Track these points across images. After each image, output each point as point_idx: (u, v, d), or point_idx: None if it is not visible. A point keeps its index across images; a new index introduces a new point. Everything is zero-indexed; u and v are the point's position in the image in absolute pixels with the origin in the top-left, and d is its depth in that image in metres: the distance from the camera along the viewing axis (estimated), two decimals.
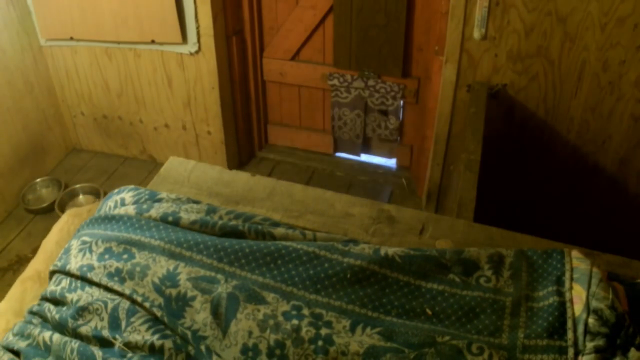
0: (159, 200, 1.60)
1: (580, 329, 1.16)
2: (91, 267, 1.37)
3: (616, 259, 1.49)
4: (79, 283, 1.36)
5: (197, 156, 3.04)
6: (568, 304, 1.21)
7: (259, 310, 1.23)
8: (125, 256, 1.38)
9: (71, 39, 2.77)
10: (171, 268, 1.33)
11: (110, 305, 1.29)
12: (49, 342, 1.27)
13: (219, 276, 1.31)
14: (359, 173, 3.02)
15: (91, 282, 1.35)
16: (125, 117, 3.03)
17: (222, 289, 1.27)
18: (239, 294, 1.26)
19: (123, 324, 1.26)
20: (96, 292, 1.33)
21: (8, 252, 2.60)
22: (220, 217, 1.52)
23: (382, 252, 1.36)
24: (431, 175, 2.57)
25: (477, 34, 2.12)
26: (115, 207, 1.61)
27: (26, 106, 2.85)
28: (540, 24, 2.05)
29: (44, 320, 1.36)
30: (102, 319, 1.28)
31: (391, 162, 3.06)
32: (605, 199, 2.38)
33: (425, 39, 2.53)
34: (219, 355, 1.18)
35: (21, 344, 1.30)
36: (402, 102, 2.78)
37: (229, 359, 1.17)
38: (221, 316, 1.22)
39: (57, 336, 1.28)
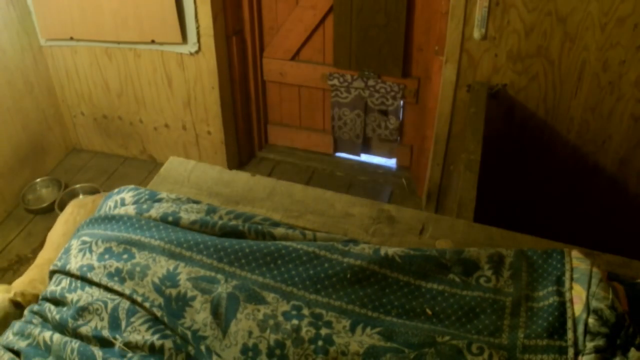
0: (159, 200, 1.60)
1: (580, 329, 1.16)
2: (91, 267, 1.37)
3: (616, 259, 1.49)
4: (79, 283, 1.36)
5: (197, 156, 3.04)
6: (568, 304, 1.21)
7: (259, 310, 1.23)
8: (125, 256, 1.38)
9: (71, 39, 2.77)
10: (171, 268, 1.33)
11: (110, 305, 1.29)
12: (49, 342, 1.27)
13: (219, 276, 1.31)
14: (359, 173, 3.02)
15: (91, 282, 1.35)
16: (125, 117, 3.03)
17: (222, 289, 1.27)
18: (239, 294, 1.26)
19: (123, 324, 1.26)
20: (96, 292, 1.33)
21: (8, 252, 2.60)
22: (220, 217, 1.52)
23: (382, 252, 1.36)
24: (431, 175, 2.57)
25: (477, 34, 2.12)
26: (115, 207, 1.61)
27: (26, 106, 2.85)
28: (540, 24, 2.05)
29: (44, 320, 1.36)
30: (102, 319, 1.28)
31: (391, 162, 3.06)
32: (605, 199, 2.38)
33: (425, 39, 2.53)
34: (219, 355, 1.18)
35: (21, 344, 1.30)
36: (402, 102, 2.78)
37: (229, 359, 1.17)
38: (221, 316, 1.22)
39: (57, 336, 1.28)
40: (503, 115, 2.29)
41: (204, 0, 2.46)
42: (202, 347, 1.20)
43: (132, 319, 1.26)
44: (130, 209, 1.55)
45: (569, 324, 1.17)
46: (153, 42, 2.64)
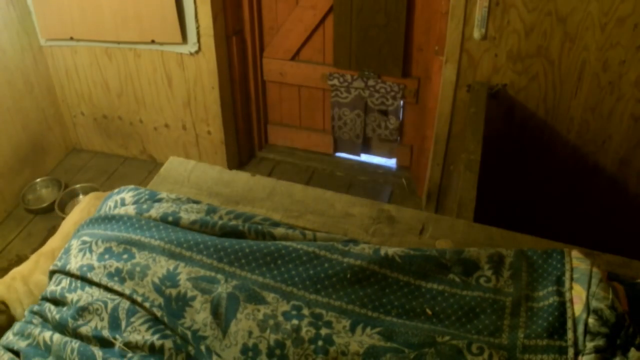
0: (159, 200, 1.60)
1: (580, 329, 1.16)
2: (91, 267, 1.37)
3: (616, 259, 1.49)
4: (79, 283, 1.36)
5: (197, 156, 3.04)
6: (568, 304, 1.21)
7: (259, 310, 1.23)
8: (125, 256, 1.38)
9: (71, 39, 2.77)
10: (171, 268, 1.33)
11: (110, 305, 1.29)
12: (49, 342, 1.27)
13: (219, 276, 1.31)
14: (359, 173, 3.02)
15: (91, 282, 1.35)
16: (125, 117, 3.03)
17: (222, 289, 1.27)
18: (239, 294, 1.26)
19: (123, 324, 1.26)
20: (96, 292, 1.33)
21: (8, 252, 2.60)
22: (220, 217, 1.52)
23: (382, 252, 1.36)
24: (431, 175, 2.57)
25: (477, 34, 2.12)
26: (115, 207, 1.61)
27: (26, 106, 2.85)
28: (540, 24, 2.05)
29: (44, 320, 1.36)
30: (102, 319, 1.28)
31: (391, 162, 3.06)
32: (605, 199, 2.38)
33: (425, 39, 2.53)
34: (219, 355, 1.18)
35: (21, 344, 1.30)
36: (402, 102, 2.78)
37: (229, 359, 1.17)
38: (221, 316, 1.22)
39: (57, 336, 1.28)
40: (503, 115, 2.29)
41: (204, 0, 2.46)
42: (202, 347, 1.20)
43: (132, 319, 1.26)
44: (130, 209, 1.55)
45: (569, 324, 1.17)
46: (153, 42, 2.64)
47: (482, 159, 1.87)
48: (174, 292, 1.28)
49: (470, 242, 1.54)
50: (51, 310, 1.35)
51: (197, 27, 2.55)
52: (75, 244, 1.47)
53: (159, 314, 1.26)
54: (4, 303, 1.44)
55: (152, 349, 1.21)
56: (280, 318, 1.21)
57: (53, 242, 1.65)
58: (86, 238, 1.46)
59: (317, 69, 2.81)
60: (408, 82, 2.69)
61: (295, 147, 3.17)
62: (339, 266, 1.33)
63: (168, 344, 1.21)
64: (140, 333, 1.24)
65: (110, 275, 1.34)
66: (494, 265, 1.34)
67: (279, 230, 1.47)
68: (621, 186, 2.33)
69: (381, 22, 2.54)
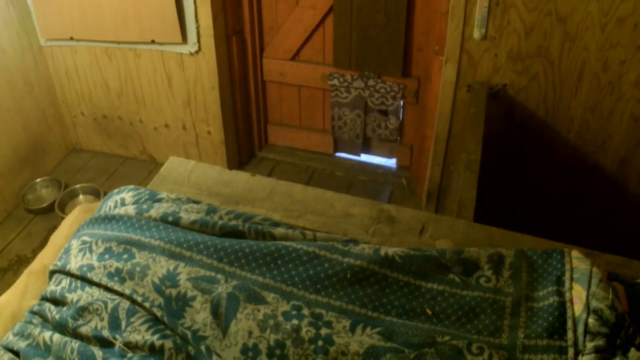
0: (159, 200, 1.60)
1: (580, 329, 1.16)
2: (91, 267, 1.37)
3: (616, 259, 1.49)
4: (79, 283, 1.36)
5: (197, 156, 3.04)
6: (568, 304, 1.21)
7: (259, 310, 1.23)
8: (125, 256, 1.38)
9: (71, 39, 2.77)
10: (171, 268, 1.33)
11: (110, 305, 1.29)
12: (49, 342, 1.27)
13: (219, 276, 1.31)
14: (359, 173, 3.02)
15: (91, 282, 1.35)
16: (125, 117, 3.03)
17: (222, 289, 1.27)
18: (239, 294, 1.26)
19: (123, 324, 1.26)
20: (96, 292, 1.33)
21: (8, 252, 2.60)
22: (220, 217, 1.52)
23: (382, 252, 1.36)
24: (431, 175, 2.57)
25: (477, 34, 2.12)
26: (115, 207, 1.61)
27: (26, 106, 2.85)
28: (540, 24, 2.05)
29: (44, 320, 1.36)
30: (102, 319, 1.28)
31: (391, 162, 3.06)
32: (605, 199, 2.38)
33: (425, 39, 2.53)
34: (219, 355, 1.18)
35: (21, 344, 1.30)
36: (402, 102, 2.78)
37: (229, 359, 1.17)
38: (221, 316, 1.22)
39: (57, 336, 1.28)
40: (503, 115, 2.29)
41: (204, 0, 2.46)
42: (202, 347, 1.20)
43: (132, 319, 1.26)
44: (130, 209, 1.55)
45: (569, 324, 1.17)
46: (153, 42, 2.64)
47: (482, 159, 1.87)
48: (174, 292, 1.28)
49: (470, 242, 1.54)
50: (51, 310, 1.35)
51: (197, 27, 2.55)
52: (75, 244, 1.47)
53: (159, 314, 1.26)
54: None
55: (152, 349, 1.21)
56: (280, 318, 1.21)
57: (44, 258, 1.62)
58: (86, 238, 1.46)
59: (317, 69, 2.81)
60: (408, 82, 2.69)
61: (295, 147, 3.17)
62: (339, 266, 1.33)
63: (168, 344, 1.21)
64: (140, 333, 1.24)
65: (110, 275, 1.34)
66: (494, 265, 1.34)
67: (279, 230, 1.47)
68: (621, 186, 2.33)
69: (381, 22, 2.54)
